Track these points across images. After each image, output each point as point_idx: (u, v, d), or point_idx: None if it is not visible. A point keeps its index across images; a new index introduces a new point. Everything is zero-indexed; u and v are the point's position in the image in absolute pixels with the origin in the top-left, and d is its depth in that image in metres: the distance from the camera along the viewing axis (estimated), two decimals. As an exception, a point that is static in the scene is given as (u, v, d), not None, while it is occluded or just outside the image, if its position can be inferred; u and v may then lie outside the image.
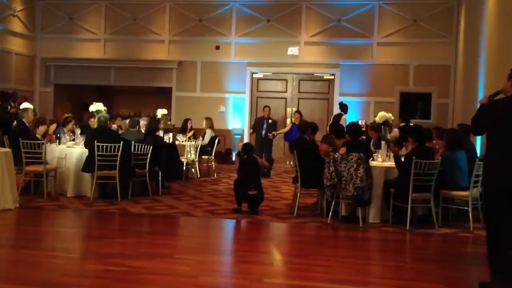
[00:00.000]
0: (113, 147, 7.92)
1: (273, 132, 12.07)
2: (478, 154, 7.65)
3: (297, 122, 11.40)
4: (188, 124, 12.27)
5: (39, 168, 8.07)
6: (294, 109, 14.78)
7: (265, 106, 12.70)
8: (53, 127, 9.53)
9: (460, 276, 5.14)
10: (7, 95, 12.52)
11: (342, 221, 7.07)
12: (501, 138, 4.44)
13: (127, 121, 10.27)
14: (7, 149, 7.49)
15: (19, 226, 6.73)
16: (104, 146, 7.88)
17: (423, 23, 14.11)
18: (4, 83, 13.99)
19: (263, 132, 12.01)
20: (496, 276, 4.41)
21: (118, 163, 7.93)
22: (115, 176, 7.99)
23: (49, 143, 8.64)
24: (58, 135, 9.16)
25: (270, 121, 12.16)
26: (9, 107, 11.94)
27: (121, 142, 8.00)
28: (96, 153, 7.84)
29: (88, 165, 8.07)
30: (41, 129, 8.84)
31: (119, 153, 7.92)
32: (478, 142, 9.70)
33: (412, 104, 14.24)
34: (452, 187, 6.91)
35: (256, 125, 12.38)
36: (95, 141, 7.86)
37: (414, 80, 14.20)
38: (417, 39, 14.12)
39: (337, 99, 14.50)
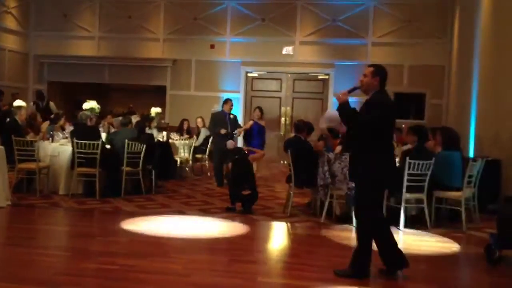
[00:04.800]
0: (91, 144, 7.88)
1: (238, 130, 10.53)
2: (471, 155, 7.65)
3: (257, 119, 10.73)
4: (185, 125, 12.18)
5: (32, 165, 8.02)
6: (289, 108, 14.79)
7: (227, 99, 10.59)
8: (45, 124, 9.48)
9: (452, 276, 5.16)
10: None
11: (335, 221, 7.07)
12: (388, 138, 4.66)
13: (120, 118, 10.22)
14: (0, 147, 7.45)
15: (11, 224, 6.69)
16: (83, 143, 7.87)
17: (418, 23, 14.14)
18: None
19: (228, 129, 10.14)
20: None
21: (98, 161, 7.88)
22: (98, 174, 7.95)
23: (42, 140, 8.60)
24: (51, 132, 9.12)
25: (231, 116, 10.32)
26: None
27: (100, 140, 7.97)
28: (75, 150, 7.85)
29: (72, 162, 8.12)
30: (32, 134, 8.82)
31: (99, 151, 7.87)
32: (472, 143, 9.73)
33: (406, 105, 14.27)
34: (445, 187, 6.92)
35: (215, 121, 10.22)
36: (74, 138, 7.88)
37: (408, 80, 14.23)
38: (412, 39, 14.16)
39: (332, 99, 14.51)
